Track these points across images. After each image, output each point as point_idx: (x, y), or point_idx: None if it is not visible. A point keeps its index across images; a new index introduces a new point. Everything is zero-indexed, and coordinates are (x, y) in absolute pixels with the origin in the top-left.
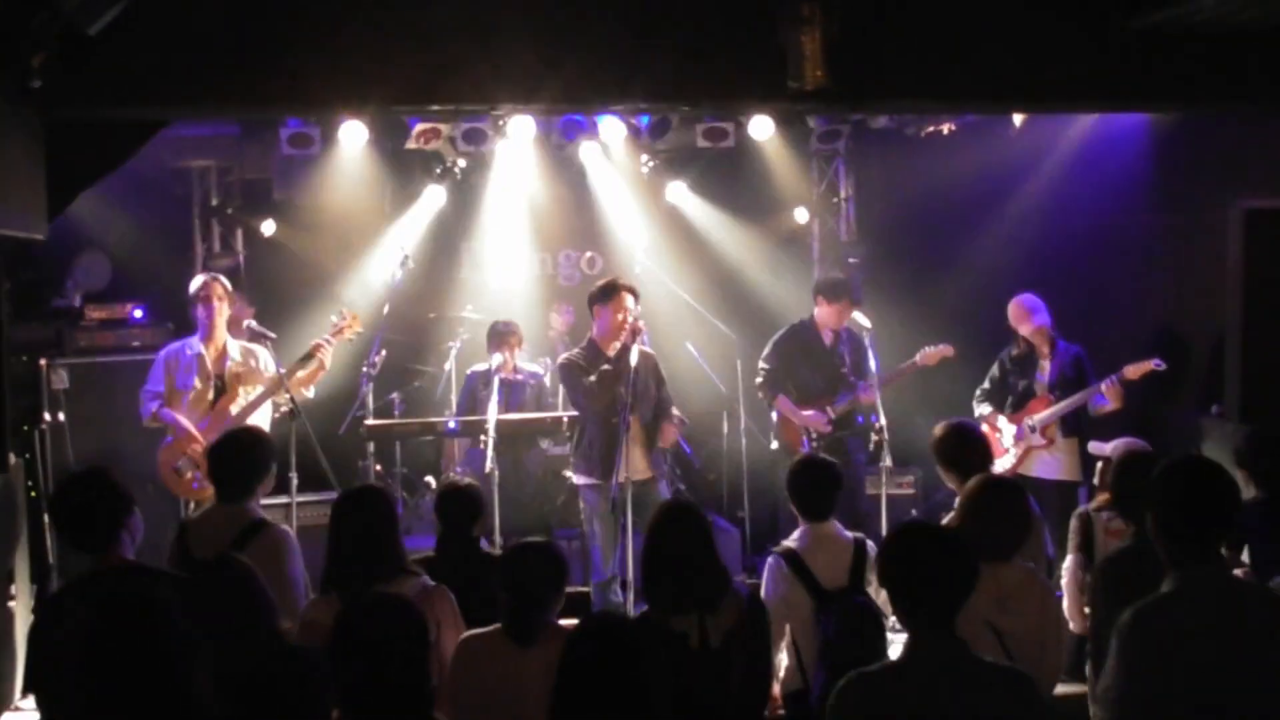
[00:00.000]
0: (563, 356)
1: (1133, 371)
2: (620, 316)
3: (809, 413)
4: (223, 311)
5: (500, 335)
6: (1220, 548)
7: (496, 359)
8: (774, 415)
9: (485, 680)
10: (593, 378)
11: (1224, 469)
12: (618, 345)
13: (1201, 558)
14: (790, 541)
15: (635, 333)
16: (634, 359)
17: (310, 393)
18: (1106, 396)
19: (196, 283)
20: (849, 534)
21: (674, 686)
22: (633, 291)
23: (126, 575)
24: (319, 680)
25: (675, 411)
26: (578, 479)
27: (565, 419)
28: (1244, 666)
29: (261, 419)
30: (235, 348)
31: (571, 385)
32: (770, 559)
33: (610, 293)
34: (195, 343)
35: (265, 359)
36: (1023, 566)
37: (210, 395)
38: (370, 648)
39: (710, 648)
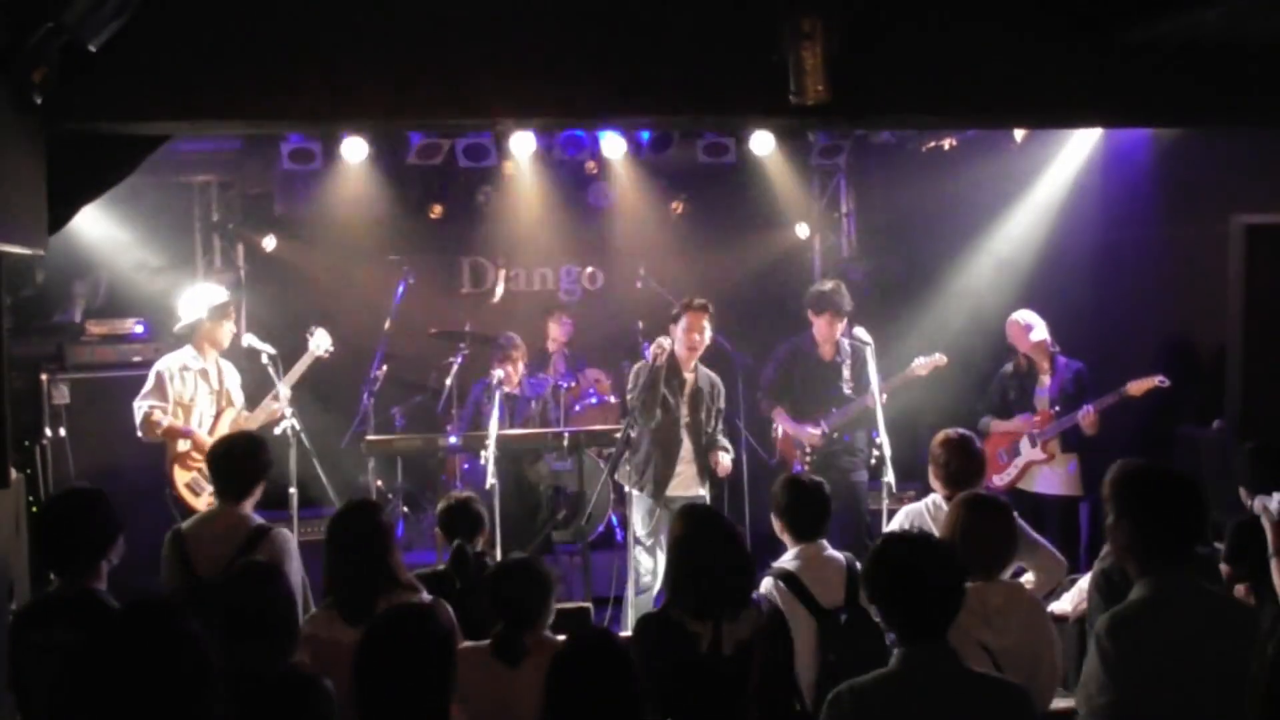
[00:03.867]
0: (640, 363)
1: (1136, 388)
2: (696, 335)
3: (803, 427)
4: (230, 335)
5: (502, 349)
6: (1192, 554)
7: (498, 374)
8: (774, 430)
9: (471, 696)
10: (640, 393)
11: (1195, 479)
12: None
13: (1177, 564)
14: (784, 563)
15: (677, 357)
16: (699, 380)
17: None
18: (1082, 424)
19: (218, 297)
20: (838, 553)
21: (677, 687)
22: (702, 309)
23: (88, 604)
24: (329, 711)
25: (723, 441)
26: (629, 489)
27: (566, 434)
28: (1213, 673)
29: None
30: (225, 363)
31: (631, 390)
32: (766, 580)
33: (679, 313)
34: (197, 357)
35: (236, 376)
36: (1009, 583)
37: (213, 411)
38: (396, 660)
39: (721, 655)
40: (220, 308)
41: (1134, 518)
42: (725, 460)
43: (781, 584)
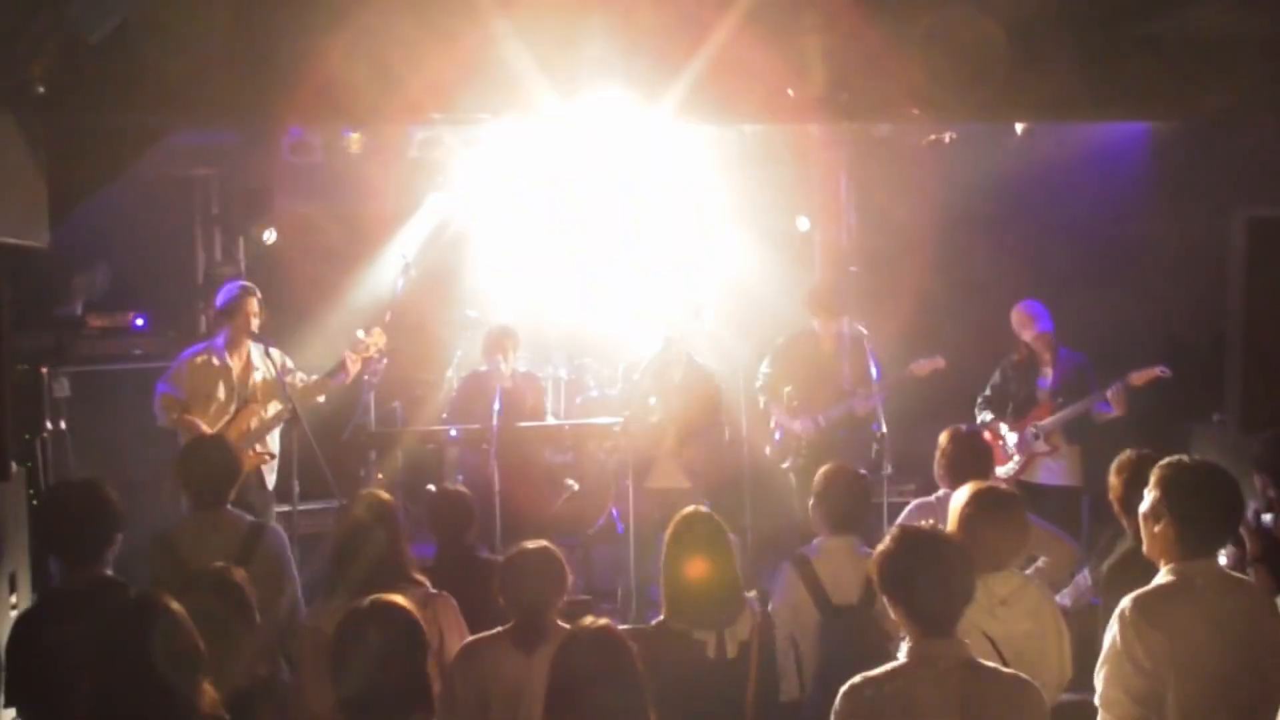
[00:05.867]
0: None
1: (1137, 378)
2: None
3: (798, 421)
4: (255, 325)
5: (495, 339)
6: (1221, 546)
7: (499, 365)
8: (770, 423)
9: (491, 684)
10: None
11: (1235, 476)
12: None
13: (1206, 553)
14: (807, 550)
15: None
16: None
17: (320, 398)
18: (1111, 403)
19: (232, 293)
20: (869, 550)
21: (689, 693)
22: None
23: (109, 591)
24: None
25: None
26: (626, 483)
27: (566, 427)
28: (1236, 659)
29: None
30: (259, 357)
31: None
32: (785, 564)
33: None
34: (221, 352)
35: (282, 359)
36: (1017, 574)
37: (232, 408)
38: (367, 653)
39: (726, 658)
40: (236, 301)
41: (1178, 511)
42: None
43: (795, 569)
